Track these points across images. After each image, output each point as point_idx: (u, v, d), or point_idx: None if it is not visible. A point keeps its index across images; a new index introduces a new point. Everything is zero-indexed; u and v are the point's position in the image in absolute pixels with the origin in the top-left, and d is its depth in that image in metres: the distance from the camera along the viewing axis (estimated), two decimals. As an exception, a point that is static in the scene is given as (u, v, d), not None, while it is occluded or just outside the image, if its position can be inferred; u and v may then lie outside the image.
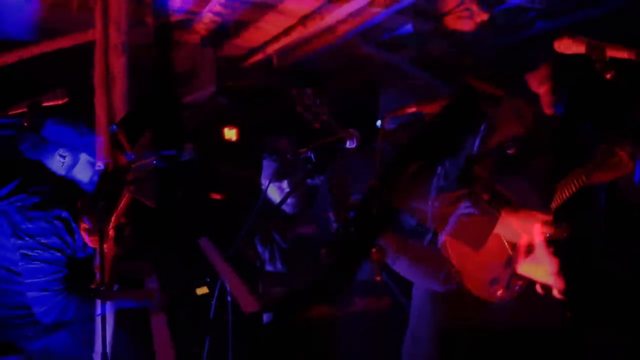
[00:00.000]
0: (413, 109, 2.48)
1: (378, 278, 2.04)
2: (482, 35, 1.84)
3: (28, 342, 2.20)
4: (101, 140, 2.29)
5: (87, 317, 2.15)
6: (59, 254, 2.09)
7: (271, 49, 4.24)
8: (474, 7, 1.77)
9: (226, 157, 4.07)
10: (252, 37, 4.08)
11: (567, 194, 1.69)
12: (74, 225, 2.14)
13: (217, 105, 4.72)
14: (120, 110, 2.39)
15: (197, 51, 4.15)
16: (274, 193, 3.11)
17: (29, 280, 2.06)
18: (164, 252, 3.09)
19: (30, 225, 2.07)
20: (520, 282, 1.67)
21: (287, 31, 3.90)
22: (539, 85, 1.69)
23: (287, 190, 3.01)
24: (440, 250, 1.70)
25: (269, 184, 3.28)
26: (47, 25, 3.23)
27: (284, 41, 4.03)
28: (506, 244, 1.65)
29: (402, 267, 1.89)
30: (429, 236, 1.99)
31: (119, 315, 2.31)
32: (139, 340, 2.30)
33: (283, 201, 2.81)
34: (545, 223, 1.59)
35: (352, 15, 3.72)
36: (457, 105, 2.12)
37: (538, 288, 1.61)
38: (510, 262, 1.66)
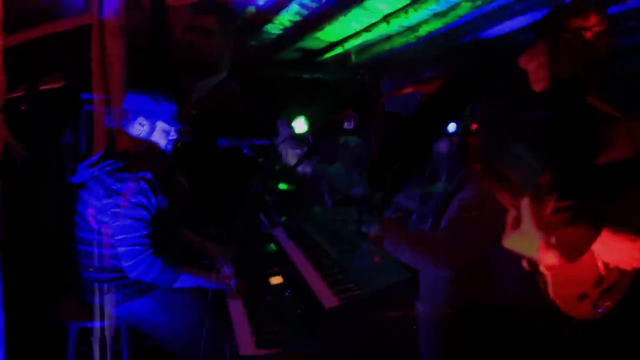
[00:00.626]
0: (410, 90, 2.43)
1: (376, 260, 2.09)
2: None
3: (114, 306, 2.36)
4: (174, 109, 2.47)
5: (168, 284, 2.28)
6: (145, 212, 2.25)
7: (351, 44, 4.26)
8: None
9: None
10: (333, 31, 4.09)
11: None
12: (156, 185, 2.31)
13: (229, 92, 4.77)
14: (117, 92, 2.53)
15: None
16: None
17: (120, 236, 2.22)
18: (239, 241, 3.21)
19: (120, 185, 2.25)
20: (608, 303, 1.66)
21: (369, 27, 3.91)
22: (529, 61, 1.64)
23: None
24: (442, 235, 1.70)
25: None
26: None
27: (365, 37, 4.04)
28: (599, 261, 1.63)
29: (404, 253, 1.88)
30: (429, 222, 1.99)
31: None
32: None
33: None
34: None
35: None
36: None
37: (524, 264, 1.59)
38: (601, 281, 1.63)
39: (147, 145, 2.46)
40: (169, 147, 2.55)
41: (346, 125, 2.34)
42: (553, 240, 1.50)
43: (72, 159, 2.39)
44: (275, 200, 3.93)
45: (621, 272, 1.66)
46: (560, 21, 1.73)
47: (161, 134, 2.49)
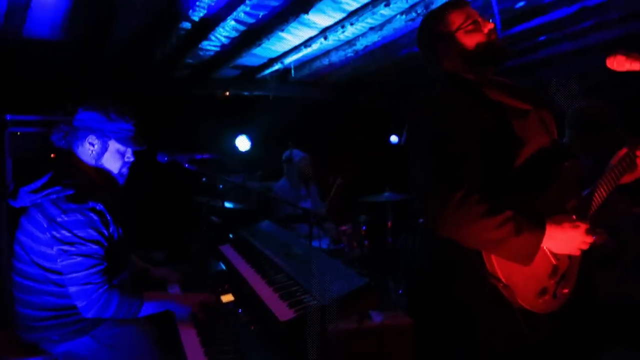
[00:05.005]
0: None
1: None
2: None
3: (51, 346, 2.15)
4: (130, 128, 2.29)
5: (131, 315, 2.10)
6: (96, 247, 2.05)
7: (290, 59, 4.26)
8: (480, 19, 1.79)
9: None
10: (271, 47, 4.08)
11: (600, 200, 1.75)
12: (108, 217, 2.12)
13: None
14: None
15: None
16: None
17: (70, 275, 2.01)
18: (187, 260, 3.09)
19: (66, 218, 2.01)
20: (566, 290, 1.69)
21: (307, 42, 3.93)
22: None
23: None
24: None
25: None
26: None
27: (304, 52, 4.05)
28: (549, 253, 1.66)
29: None
30: None
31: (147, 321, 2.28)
32: (162, 347, 2.26)
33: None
34: (587, 232, 1.62)
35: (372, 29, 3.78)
36: None
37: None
38: (556, 271, 1.67)
39: (97, 169, 2.27)
40: (124, 170, 2.35)
41: None
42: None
43: (13, 181, 2.15)
44: (221, 219, 3.83)
45: (570, 257, 1.70)
46: (430, 35, 1.84)
47: (115, 156, 2.29)
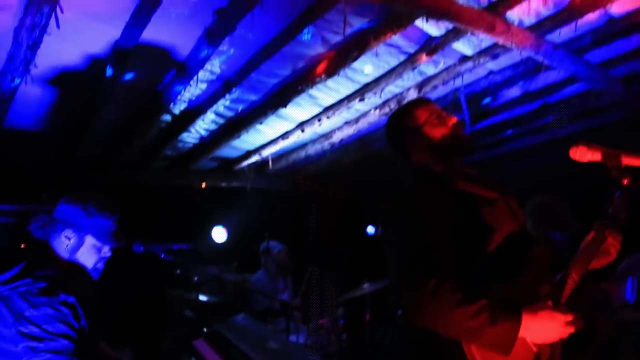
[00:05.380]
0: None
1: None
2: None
3: None
4: (109, 225, 2.23)
5: None
6: (67, 342, 1.91)
7: (267, 151, 4.37)
8: (443, 114, 1.91)
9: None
10: (249, 139, 4.18)
11: (573, 285, 1.71)
12: (80, 311, 2.00)
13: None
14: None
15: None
16: None
17: None
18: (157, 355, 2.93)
19: (35, 312, 1.88)
20: None
21: (285, 135, 4.05)
22: None
23: None
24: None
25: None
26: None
27: (281, 144, 4.17)
28: (529, 341, 1.63)
29: None
30: None
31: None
32: None
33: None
34: (567, 323, 1.60)
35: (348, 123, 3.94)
36: None
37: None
38: (539, 357, 1.62)
39: (71, 263, 2.16)
40: (100, 266, 2.25)
41: None
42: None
43: None
44: (196, 313, 3.69)
45: (551, 344, 1.67)
46: (399, 131, 1.93)
47: (90, 251, 2.19)
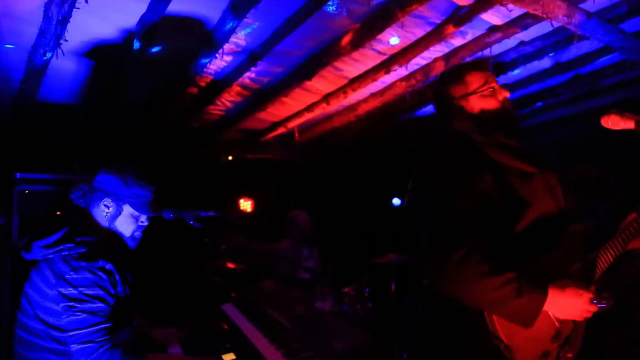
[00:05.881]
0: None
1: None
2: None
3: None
4: (146, 195, 2.28)
5: None
6: (103, 305, 2.00)
7: (293, 123, 4.39)
8: (496, 86, 1.84)
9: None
10: (276, 111, 4.21)
11: (606, 264, 1.71)
12: (117, 277, 2.11)
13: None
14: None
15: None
16: None
17: (72, 332, 1.96)
18: (187, 319, 3.03)
19: (75, 276, 1.99)
20: (570, 355, 1.65)
21: (310, 107, 4.05)
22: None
23: None
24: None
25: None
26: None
27: (307, 116, 4.18)
28: (552, 316, 1.64)
29: None
30: None
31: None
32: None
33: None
34: (590, 301, 1.60)
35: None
36: None
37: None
38: (559, 335, 1.64)
39: (110, 231, 2.25)
40: (137, 234, 2.32)
41: None
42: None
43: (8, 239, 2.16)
44: (224, 279, 3.81)
45: (575, 322, 1.67)
46: (446, 93, 1.88)
47: (128, 220, 2.27)
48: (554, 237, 1.70)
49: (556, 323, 1.64)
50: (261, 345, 2.20)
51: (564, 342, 1.65)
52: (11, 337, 2.19)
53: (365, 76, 3.44)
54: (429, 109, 4.07)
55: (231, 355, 2.36)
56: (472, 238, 1.56)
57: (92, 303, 1.99)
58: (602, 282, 1.73)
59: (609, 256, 1.70)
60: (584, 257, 1.74)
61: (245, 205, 5.02)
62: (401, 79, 3.61)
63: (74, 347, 1.95)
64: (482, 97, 1.81)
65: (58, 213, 2.99)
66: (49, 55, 2.66)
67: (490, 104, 1.80)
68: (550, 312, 1.62)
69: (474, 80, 1.83)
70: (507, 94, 1.83)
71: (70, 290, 1.99)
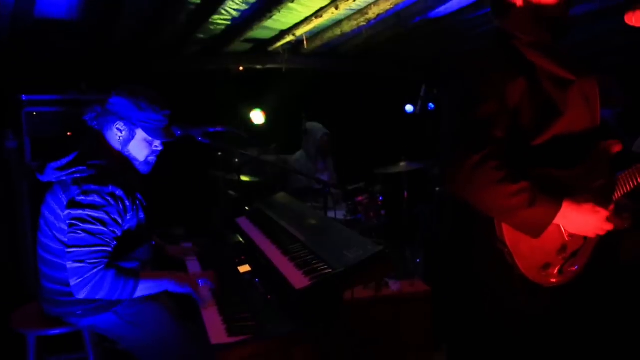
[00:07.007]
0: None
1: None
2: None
3: (76, 319, 2.20)
4: (159, 119, 2.23)
5: (125, 297, 2.07)
6: (104, 229, 2.04)
7: (301, 31, 4.22)
8: None
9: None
10: (283, 18, 4.03)
11: (630, 187, 1.66)
12: (127, 202, 2.13)
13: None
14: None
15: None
16: None
17: (71, 249, 2.01)
18: (206, 233, 3.14)
19: (84, 197, 2.04)
20: (573, 268, 1.67)
21: (318, 12, 3.87)
22: None
23: None
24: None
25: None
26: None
27: (315, 23, 4.00)
28: (563, 230, 1.64)
29: None
30: None
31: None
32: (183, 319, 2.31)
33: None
34: (608, 219, 1.58)
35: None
36: None
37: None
38: (565, 249, 1.64)
39: (123, 155, 2.26)
40: (151, 159, 2.32)
41: None
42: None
43: (19, 164, 2.19)
44: (238, 192, 3.87)
45: (586, 238, 1.66)
46: None
47: (141, 144, 2.26)
48: (581, 151, 1.65)
49: (566, 237, 1.63)
50: (275, 258, 2.27)
51: (570, 255, 1.66)
52: (35, 258, 2.28)
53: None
54: (442, 9, 3.84)
55: (246, 267, 2.45)
56: (493, 144, 1.53)
57: (94, 225, 2.02)
58: (622, 202, 1.69)
59: (635, 179, 1.64)
60: (608, 175, 1.69)
61: (257, 117, 4.98)
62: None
63: (70, 264, 2.00)
64: None
65: (69, 134, 2.99)
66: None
67: (555, 6, 1.67)
68: (562, 226, 1.61)
69: None
70: None
71: (78, 211, 2.03)
